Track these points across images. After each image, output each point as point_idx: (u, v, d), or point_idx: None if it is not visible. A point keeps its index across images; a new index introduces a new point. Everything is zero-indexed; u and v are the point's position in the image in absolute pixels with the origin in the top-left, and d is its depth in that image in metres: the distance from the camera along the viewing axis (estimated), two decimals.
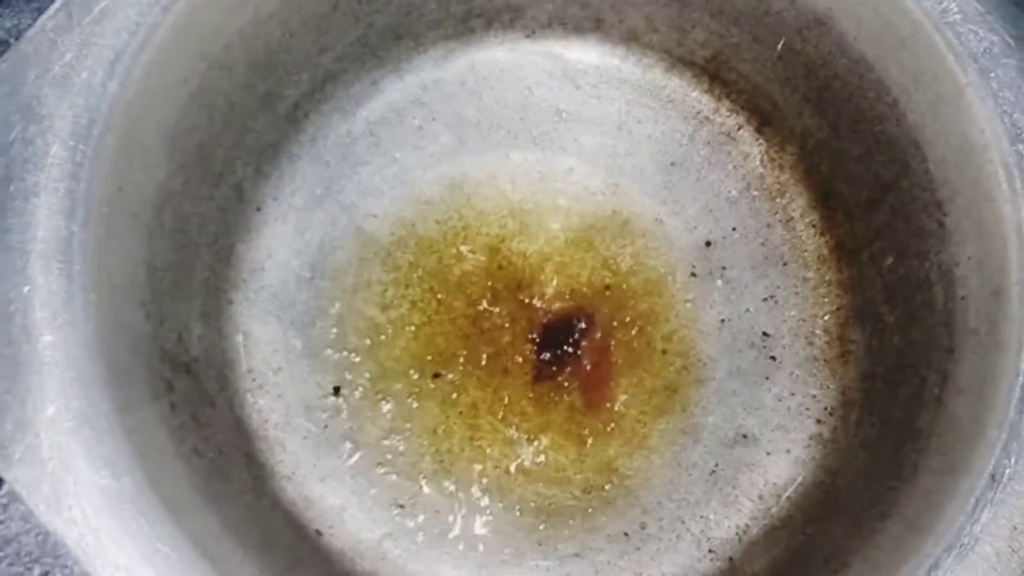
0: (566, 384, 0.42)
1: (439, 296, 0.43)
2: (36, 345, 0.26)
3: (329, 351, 0.42)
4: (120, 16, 0.29)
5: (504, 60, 0.45)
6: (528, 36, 0.45)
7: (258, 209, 0.42)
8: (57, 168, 0.28)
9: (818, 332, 0.43)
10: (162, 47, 0.30)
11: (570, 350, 0.42)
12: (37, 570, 0.44)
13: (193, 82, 0.33)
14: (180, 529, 0.26)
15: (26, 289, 0.26)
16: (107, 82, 0.29)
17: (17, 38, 0.53)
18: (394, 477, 0.41)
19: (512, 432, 0.42)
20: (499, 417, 0.42)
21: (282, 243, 0.43)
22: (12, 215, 0.27)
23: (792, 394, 0.43)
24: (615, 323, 0.43)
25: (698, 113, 0.45)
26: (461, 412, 0.42)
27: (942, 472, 0.32)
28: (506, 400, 0.42)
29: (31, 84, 0.28)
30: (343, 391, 0.42)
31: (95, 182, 0.28)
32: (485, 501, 0.41)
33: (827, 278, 0.44)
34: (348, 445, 0.41)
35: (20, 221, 0.27)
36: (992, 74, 0.33)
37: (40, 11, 0.53)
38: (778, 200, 0.45)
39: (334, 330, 0.42)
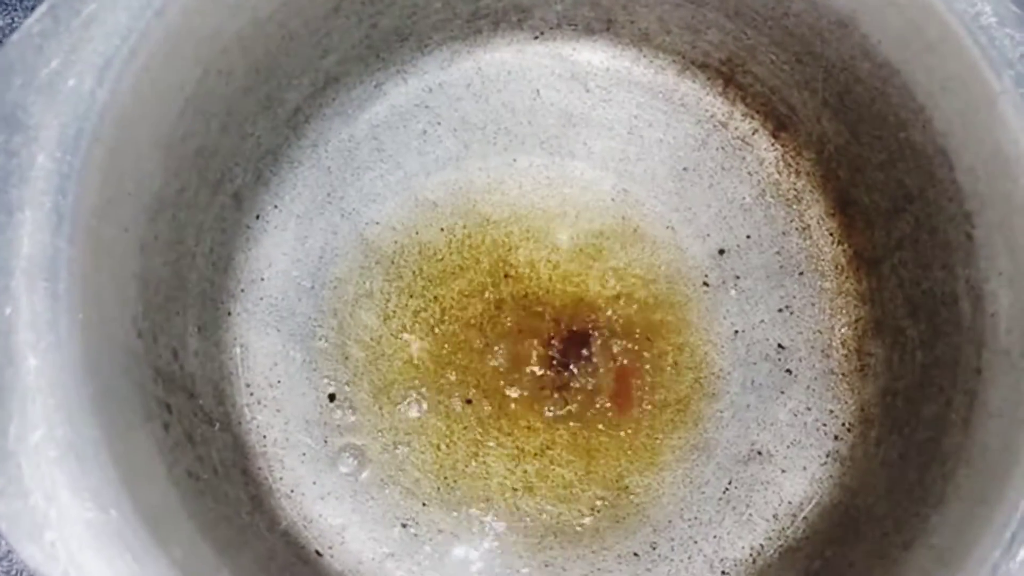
0: (573, 397, 0.41)
1: (443, 306, 0.42)
2: (19, 369, 0.25)
3: (329, 363, 0.41)
4: (110, 21, 0.28)
5: (511, 62, 0.44)
6: (536, 37, 0.44)
7: (257, 217, 0.41)
8: (43, 181, 0.26)
9: (835, 345, 0.42)
10: (155, 53, 0.29)
11: (578, 362, 0.41)
12: None
13: (189, 88, 0.32)
14: (171, 564, 0.24)
15: (8, 310, 0.25)
16: (96, 90, 0.27)
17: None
18: (397, 495, 0.40)
19: (518, 447, 0.41)
20: (505, 432, 0.41)
21: (282, 252, 0.41)
22: None
23: (808, 409, 0.41)
24: (625, 334, 0.42)
25: (711, 117, 0.44)
26: (466, 427, 0.40)
27: (973, 501, 0.30)
28: (512, 414, 0.41)
29: (15, 92, 0.27)
30: (343, 404, 0.40)
31: (83, 195, 0.27)
32: (490, 519, 0.40)
33: (845, 288, 0.42)
34: (349, 461, 0.40)
35: (3, 238, 0.25)
36: None
37: (34, 10, 0.51)
38: (794, 207, 0.43)
39: (335, 342, 0.41)
